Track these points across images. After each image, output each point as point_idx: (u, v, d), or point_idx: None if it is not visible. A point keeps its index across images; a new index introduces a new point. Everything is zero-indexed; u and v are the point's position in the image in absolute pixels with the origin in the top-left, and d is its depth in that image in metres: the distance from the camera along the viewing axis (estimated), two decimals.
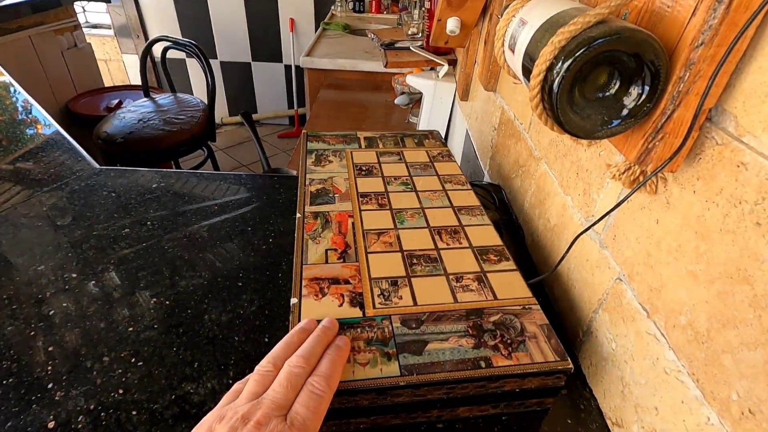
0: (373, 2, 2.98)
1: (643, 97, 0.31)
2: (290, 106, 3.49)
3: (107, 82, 2.98)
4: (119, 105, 2.27)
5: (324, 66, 2.02)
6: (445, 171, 0.68)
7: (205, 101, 2.00)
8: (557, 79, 0.30)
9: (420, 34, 1.55)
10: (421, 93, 1.54)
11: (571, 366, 0.38)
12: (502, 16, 0.43)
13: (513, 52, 0.40)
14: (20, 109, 1.04)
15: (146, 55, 1.93)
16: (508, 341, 0.40)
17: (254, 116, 3.58)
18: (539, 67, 0.31)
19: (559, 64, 0.30)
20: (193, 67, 3.40)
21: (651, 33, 0.29)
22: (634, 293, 0.39)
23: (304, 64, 2.00)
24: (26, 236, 0.62)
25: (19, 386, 0.42)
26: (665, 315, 0.35)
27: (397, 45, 1.42)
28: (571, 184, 0.52)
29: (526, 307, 0.44)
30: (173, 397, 0.42)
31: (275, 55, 3.31)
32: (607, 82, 0.32)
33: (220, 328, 0.50)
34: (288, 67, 3.33)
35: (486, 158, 0.92)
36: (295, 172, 0.93)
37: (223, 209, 0.70)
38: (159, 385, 0.43)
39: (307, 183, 0.62)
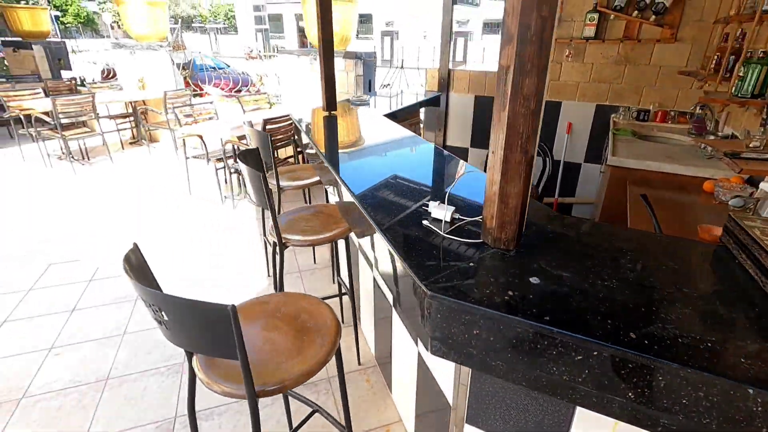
0: (659, 113, 3.20)
1: None
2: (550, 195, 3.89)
3: None
4: None
5: (629, 165, 2.32)
6: None
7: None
8: None
9: (762, 147, 1.70)
10: (757, 198, 1.66)
11: None
12: None
13: None
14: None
15: None
16: None
17: None
18: None
19: None
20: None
21: None
22: None
23: (611, 162, 2.35)
24: None
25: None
26: None
27: (743, 155, 1.61)
28: None
29: None
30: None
31: (546, 151, 3.81)
32: None
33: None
34: (557, 162, 3.78)
35: None
36: None
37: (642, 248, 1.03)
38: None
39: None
